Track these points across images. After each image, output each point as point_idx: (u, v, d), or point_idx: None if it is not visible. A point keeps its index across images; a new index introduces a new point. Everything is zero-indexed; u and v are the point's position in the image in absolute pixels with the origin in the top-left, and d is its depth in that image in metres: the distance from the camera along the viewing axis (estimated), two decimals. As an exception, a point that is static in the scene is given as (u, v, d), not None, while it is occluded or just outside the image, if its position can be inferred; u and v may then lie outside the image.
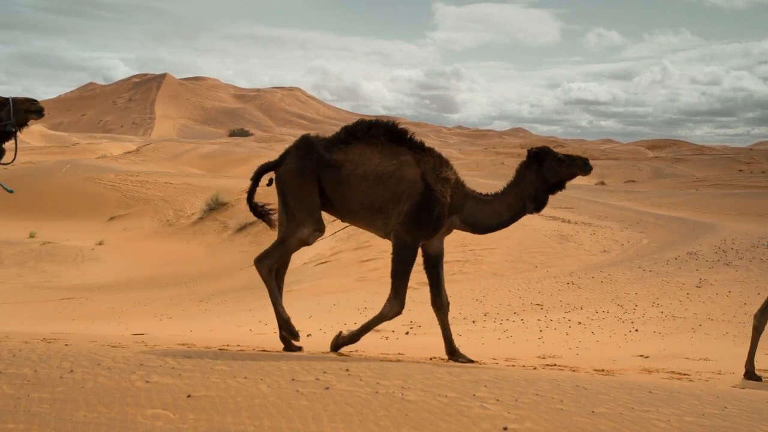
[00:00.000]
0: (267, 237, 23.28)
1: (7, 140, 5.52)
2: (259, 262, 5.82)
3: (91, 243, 24.57)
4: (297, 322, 10.84)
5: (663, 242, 16.16)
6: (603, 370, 6.36)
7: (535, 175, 5.80)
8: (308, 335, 9.19)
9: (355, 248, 18.08)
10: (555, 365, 6.52)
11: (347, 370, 4.45)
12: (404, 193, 5.67)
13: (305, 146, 5.81)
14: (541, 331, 9.21)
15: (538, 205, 5.89)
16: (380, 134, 5.81)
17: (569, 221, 21.19)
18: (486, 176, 42.08)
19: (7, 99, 5.41)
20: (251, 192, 6.00)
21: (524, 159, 5.90)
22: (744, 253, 13.52)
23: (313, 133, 6.20)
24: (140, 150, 58.30)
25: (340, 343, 6.00)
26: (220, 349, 5.80)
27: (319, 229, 5.76)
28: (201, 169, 49.48)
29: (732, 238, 15.55)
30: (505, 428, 3.39)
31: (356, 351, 6.45)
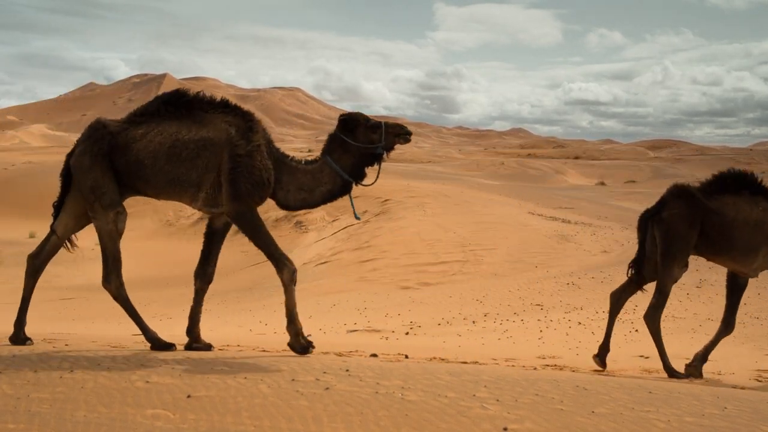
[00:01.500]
0: (267, 237, 23.23)
1: (375, 163, 5.39)
2: (649, 318, 6.45)
3: (91, 243, 24.46)
4: (297, 323, 10.86)
5: (663, 242, 16.13)
6: (603, 371, 6.37)
7: None
8: (308, 335, 9.19)
9: (355, 248, 18.07)
10: (555, 365, 6.52)
11: (347, 370, 4.44)
12: None
13: (686, 195, 6.48)
14: (541, 331, 9.22)
15: None
16: (742, 187, 6.55)
17: (569, 221, 21.19)
18: (486, 176, 42.11)
19: (380, 123, 5.35)
20: (642, 242, 6.66)
21: None
22: (744, 254, 13.50)
23: (682, 181, 6.95)
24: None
25: (697, 364, 6.44)
26: (220, 349, 5.81)
27: (686, 266, 6.52)
28: (201, 170, 49.25)
29: (732, 239, 15.51)
30: (505, 428, 3.39)
31: (356, 351, 6.45)
